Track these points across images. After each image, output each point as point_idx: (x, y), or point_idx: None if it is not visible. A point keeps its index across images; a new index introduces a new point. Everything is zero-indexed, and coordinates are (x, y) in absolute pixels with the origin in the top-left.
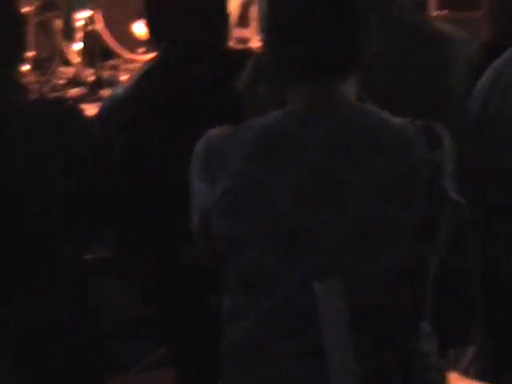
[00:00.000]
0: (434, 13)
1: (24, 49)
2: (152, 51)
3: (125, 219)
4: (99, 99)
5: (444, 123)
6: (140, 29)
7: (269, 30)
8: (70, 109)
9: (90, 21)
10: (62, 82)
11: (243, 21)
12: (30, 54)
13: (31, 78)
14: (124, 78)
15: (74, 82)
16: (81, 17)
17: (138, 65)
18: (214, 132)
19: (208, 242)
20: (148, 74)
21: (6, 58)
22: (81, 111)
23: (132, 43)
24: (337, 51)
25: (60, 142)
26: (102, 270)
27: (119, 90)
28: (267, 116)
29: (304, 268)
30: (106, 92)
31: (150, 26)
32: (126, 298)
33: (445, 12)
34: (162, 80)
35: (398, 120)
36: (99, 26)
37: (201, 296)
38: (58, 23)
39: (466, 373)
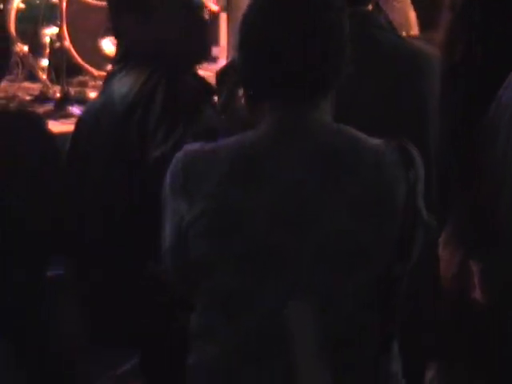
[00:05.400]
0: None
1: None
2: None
3: (89, 235)
4: (66, 116)
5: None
6: (108, 45)
7: (241, 56)
8: (36, 121)
9: (58, 37)
10: (28, 98)
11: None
12: None
13: None
14: (92, 94)
15: (41, 98)
16: (48, 33)
17: None
18: (191, 149)
19: (182, 262)
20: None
21: None
22: (46, 124)
23: (100, 60)
24: (306, 81)
25: (23, 156)
26: (65, 286)
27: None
28: (242, 136)
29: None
30: (73, 109)
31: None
32: None
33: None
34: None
35: (373, 141)
36: (66, 42)
37: (168, 311)
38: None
39: None
